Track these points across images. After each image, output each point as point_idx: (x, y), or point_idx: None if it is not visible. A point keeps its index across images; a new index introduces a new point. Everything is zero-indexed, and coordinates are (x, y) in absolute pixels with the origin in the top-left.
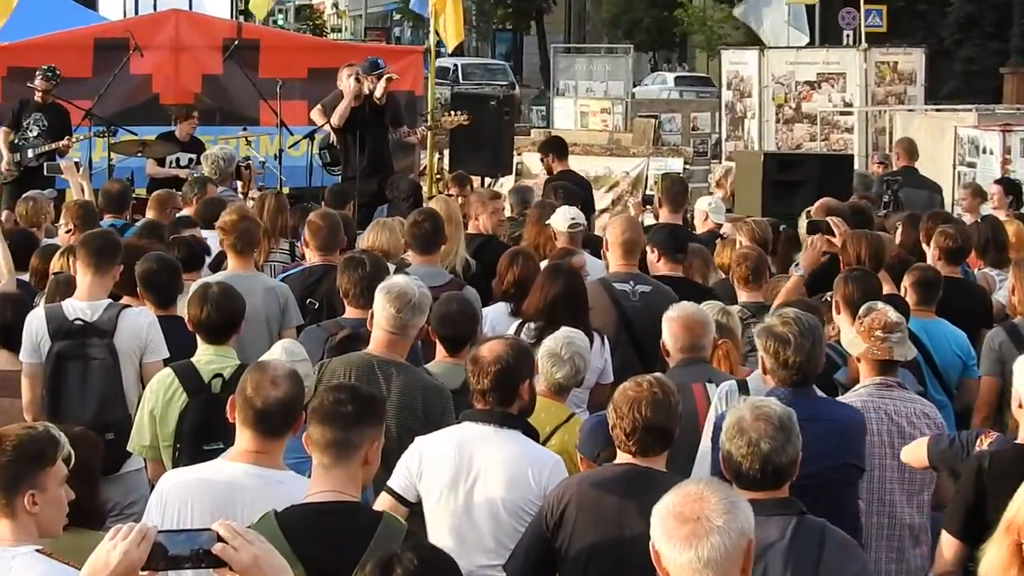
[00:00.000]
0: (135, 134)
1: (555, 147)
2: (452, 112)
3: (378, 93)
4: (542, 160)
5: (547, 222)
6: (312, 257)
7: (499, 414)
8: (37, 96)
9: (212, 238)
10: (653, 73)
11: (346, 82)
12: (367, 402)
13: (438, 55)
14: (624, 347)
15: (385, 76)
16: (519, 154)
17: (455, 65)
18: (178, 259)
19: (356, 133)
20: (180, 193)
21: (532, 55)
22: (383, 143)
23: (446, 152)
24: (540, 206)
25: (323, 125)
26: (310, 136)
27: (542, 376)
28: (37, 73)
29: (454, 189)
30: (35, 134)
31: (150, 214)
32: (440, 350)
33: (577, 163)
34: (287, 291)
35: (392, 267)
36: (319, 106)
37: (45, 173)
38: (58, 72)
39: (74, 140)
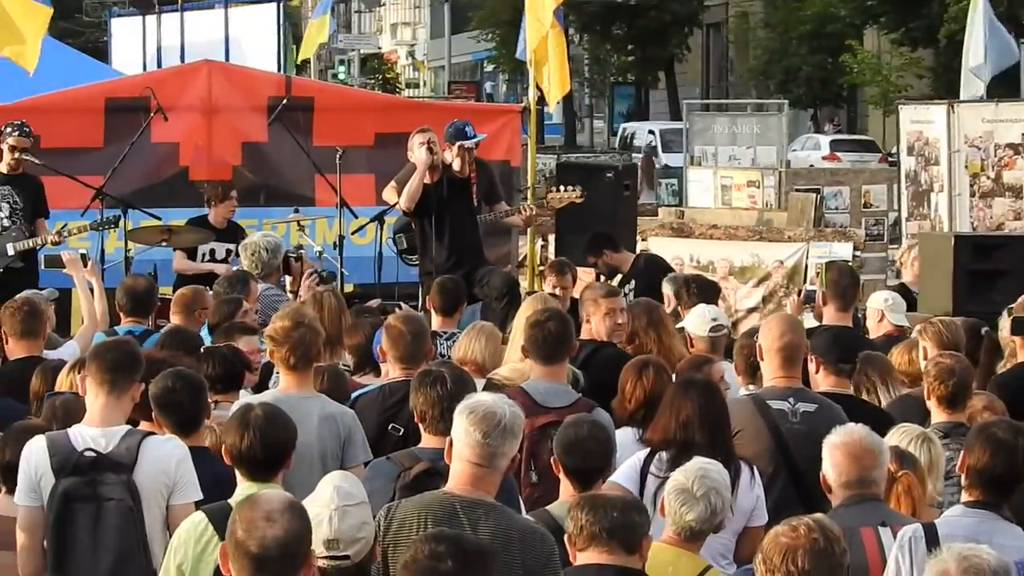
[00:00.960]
0: (158, 219)
1: (603, 242)
2: (560, 187)
3: (456, 166)
4: (594, 263)
5: (680, 325)
6: (392, 371)
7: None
8: (4, 162)
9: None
10: (804, 136)
11: (417, 152)
12: (474, 558)
13: (539, 116)
14: (782, 481)
15: (459, 144)
16: (643, 239)
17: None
18: (213, 376)
19: (433, 216)
20: (213, 289)
21: (661, 113)
22: (469, 227)
23: (551, 238)
24: (647, 308)
25: (394, 205)
26: (379, 218)
27: (670, 519)
28: (5, 129)
29: (552, 280)
30: (4, 214)
31: (175, 319)
32: (566, 485)
33: (718, 250)
34: (351, 420)
35: (480, 383)
36: (393, 182)
37: (42, 267)
38: (29, 130)
39: (75, 230)
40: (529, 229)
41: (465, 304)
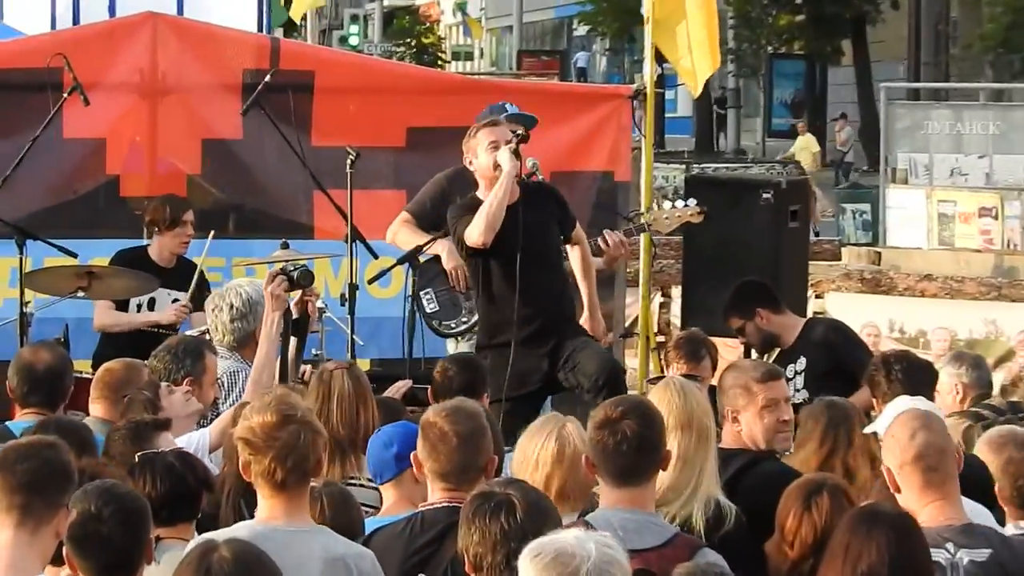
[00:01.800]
0: (72, 254)
1: (757, 298)
2: (673, 202)
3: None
4: (741, 328)
5: (869, 429)
6: (432, 491)
7: None
8: None
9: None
10: None
11: (482, 158)
12: None
13: (659, 105)
14: None
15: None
16: (818, 295)
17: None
18: (155, 498)
19: (501, 255)
20: (149, 364)
21: (843, 103)
22: (555, 273)
23: (676, 292)
24: (828, 405)
25: (427, 246)
26: (411, 258)
27: None
28: None
29: (681, 367)
30: None
31: (97, 408)
32: None
33: (934, 313)
34: (371, 566)
35: (569, 516)
36: (405, 214)
37: None
38: None
39: None
40: (643, 281)
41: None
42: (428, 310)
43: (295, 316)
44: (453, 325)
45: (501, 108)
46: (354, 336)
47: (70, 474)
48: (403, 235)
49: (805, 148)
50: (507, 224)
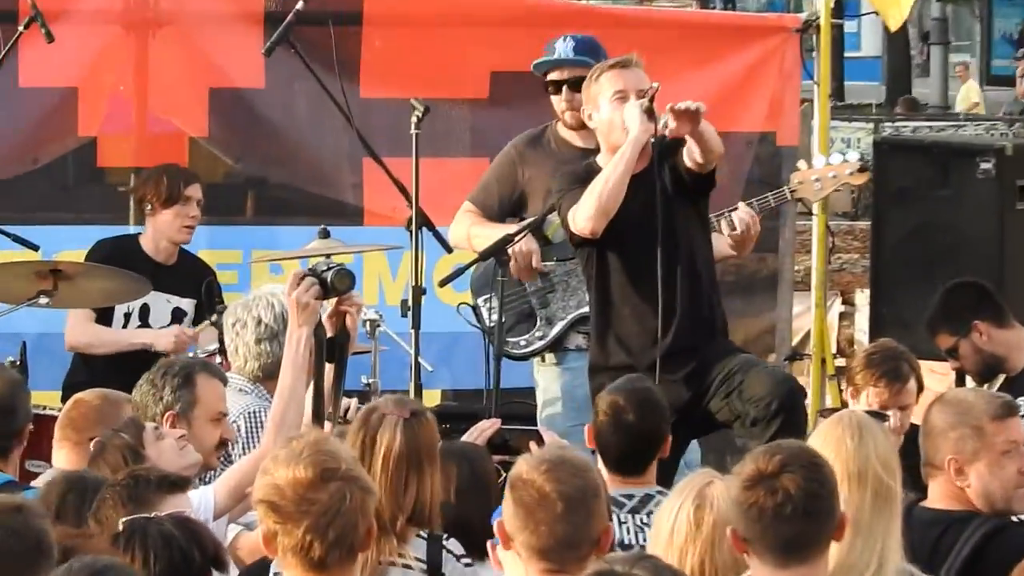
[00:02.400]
0: (33, 247)
1: (974, 306)
2: (823, 158)
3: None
4: (953, 348)
5: None
6: (527, 573)
7: None
8: None
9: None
10: None
11: (608, 110)
12: None
13: (838, 43)
14: None
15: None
16: None
17: None
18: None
19: (628, 242)
20: (133, 399)
21: None
22: (702, 268)
23: (862, 297)
24: None
25: (520, 237)
26: (499, 254)
27: None
28: None
29: (877, 393)
30: None
31: (59, 454)
32: None
33: None
34: None
35: None
36: (470, 204)
37: None
38: None
39: None
40: (816, 283)
41: (667, 440)
42: (489, 322)
43: (329, 334)
44: (523, 343)
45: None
46: (419, 359)
47: (45, 548)
48: (476, 231)
49: (964, 99)
50: (632, 201)
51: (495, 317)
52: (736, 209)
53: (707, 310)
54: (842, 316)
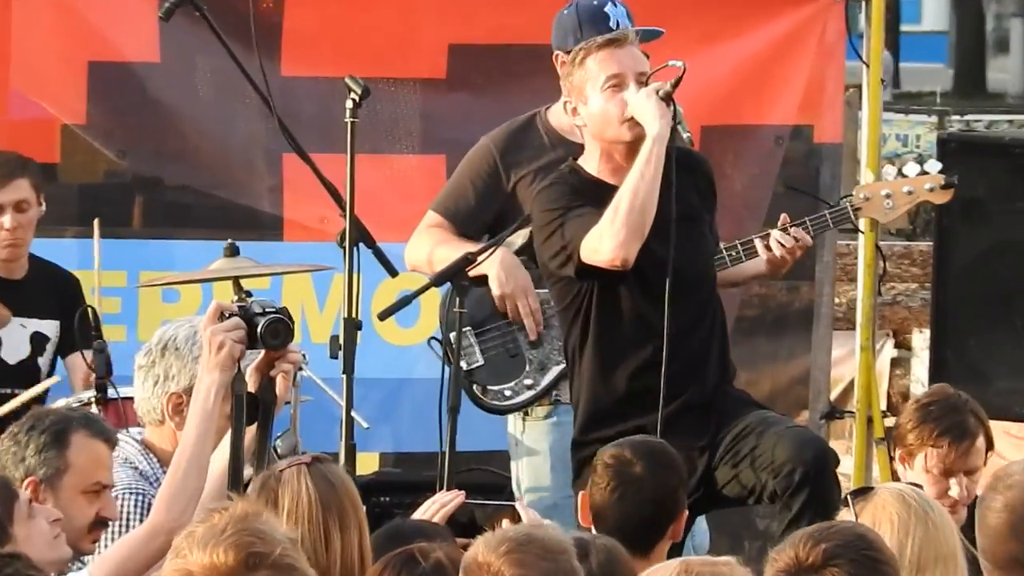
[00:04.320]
0: None
1: None
2: (899, 169)
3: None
4: None
5: None
6: None
7: None
8: None
9: None
10: None
11: (600, 102)
12: None
13: (894, 14)
14: None
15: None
16: None
17: None
18: None
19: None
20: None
21: None
22: (706, 311)
23: (917, 340)
24: None
25: (482, 256)
26: (453, 279)
27: None
28: None
29: (935, 459)
30: None
31: None
32: None
33: None
34: None
35: None
36: (434, 215)
37: None
38: None
39: None
40: (862, 320)
41: (684, 513)
42: (465, 366)
43: (250, 390)
44: (508, 393)
45: (595, 9)
46: (352, 413)
47: None
48: (440, 252)
49: None
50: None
51: (476, 358)
52: (784, 229)
53: (718, 356)
54: (895, 362)
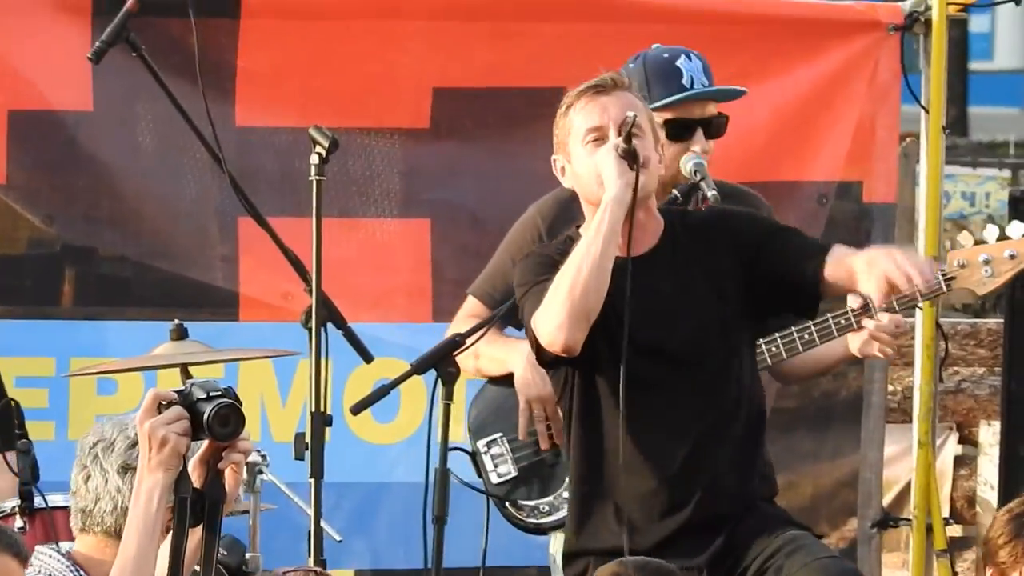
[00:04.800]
0: None
1: None
2: (980, 233)
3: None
4: None
5: None
6: None
7: None
8: None
9: None
10: None
11: (584, 161)
12: None
13: (961, 45)
14: None
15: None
16: None
17: None
18: None
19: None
20: None
21: None
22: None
23: (985, 433)
24: None
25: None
26: (439, 366)
27: None
28: None
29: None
30: None
31: None
32: None
33: None
34: None
35: None
36: (473, 302)
37: None
38: None
39: None
40: (921, 411)
41: None
42: (495, 478)
43: (195, 486)
44: (545, 508)
45: (666, 64)
46: (323, 523)
47: None
48: (488, 350)
49: None
50: (637, 299)
51: (508, 468)
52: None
53: (736, 460)
54: (959, 461)
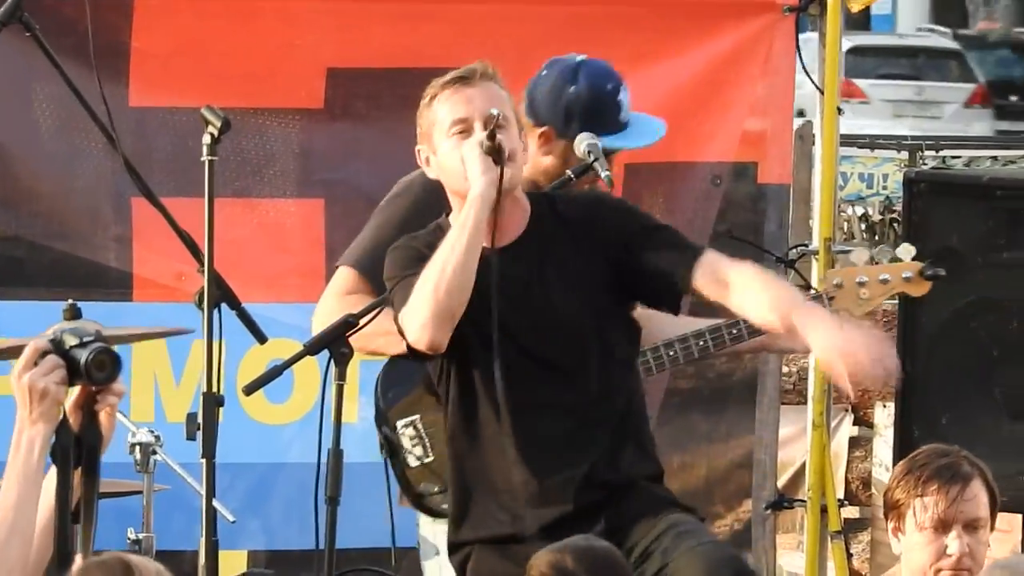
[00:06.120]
0: None
1: None
2: (894, 250)
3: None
4: None
5: None
6: None
7: None
8: None
9: None
10: None
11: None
12: None
13: (860, 20)
14: None
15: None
16: None
17: None
18: None
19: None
20: None
21: None
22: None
23: (879, 415)
24: None
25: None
26: (331, 346)
27: None
28: None
29: (936, 502)
30: None
31: None
32: None
33: None
34: None
35: None
36: (347, 272)
37: None
38: None
39: None
40: (815, 392)
41: None
42: (412, 461)
43: (75, 432)
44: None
45: (567, 71)
46: (215, 503)
47: None
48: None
49: None
50: (506, 286)
51: (425, 451)
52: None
53: (616, 446)
54: (854, 442)
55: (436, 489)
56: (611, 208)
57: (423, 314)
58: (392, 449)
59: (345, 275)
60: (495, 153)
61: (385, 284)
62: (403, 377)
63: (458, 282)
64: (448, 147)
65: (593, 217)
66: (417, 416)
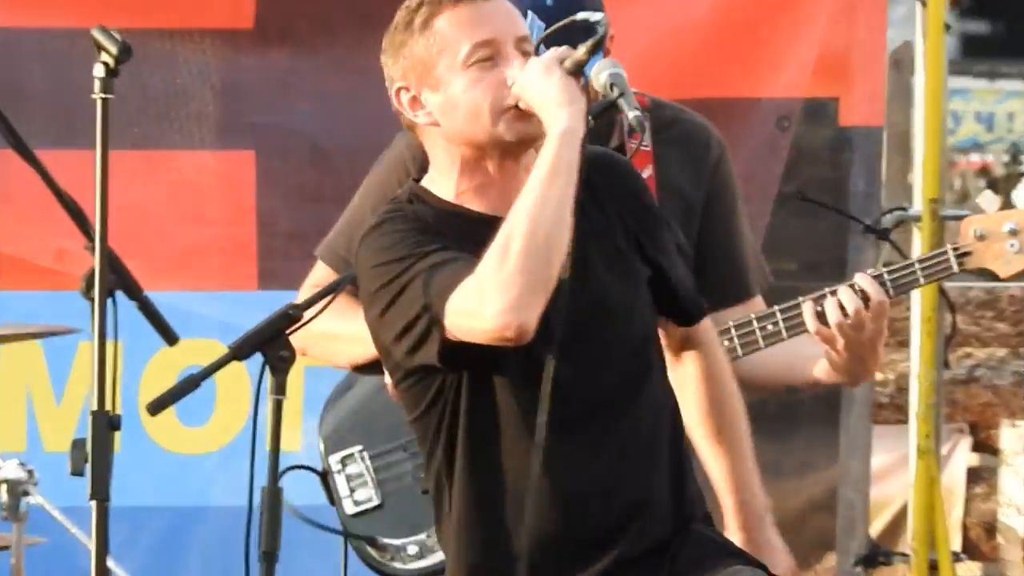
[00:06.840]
0: None
1: None
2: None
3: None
4: None
5: None
6: None
7: None
8: None
9: None
10: None
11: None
12: None
13: None
14: None
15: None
16: None
17: None
18: None
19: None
20: None
21: None
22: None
23: (1005, 436)
24: None
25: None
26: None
27: None
28: None
29: None
30: None
31: None
32: None
33: None
34: None
35: None
36: (323, 266)
37: None
38: None
39: None
40: (920, 409)
41: None
42: (351, 506)
43: None
44: (413, 550)
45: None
46: (109, 563)
47: None
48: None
49: None
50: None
51: (369, 495)
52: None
53: (679, 477)
54: (974, 475)
55: (386, 544)
56: (649, 197)
57: (514, 288)
58: (328, 492)
59: (319, 270)
60: (579, 74)
61: (372, 274)
62: (347, 396)
63: (557, 238)
64: (466, 82)
65: (632, 187)
66: (359, 447)
